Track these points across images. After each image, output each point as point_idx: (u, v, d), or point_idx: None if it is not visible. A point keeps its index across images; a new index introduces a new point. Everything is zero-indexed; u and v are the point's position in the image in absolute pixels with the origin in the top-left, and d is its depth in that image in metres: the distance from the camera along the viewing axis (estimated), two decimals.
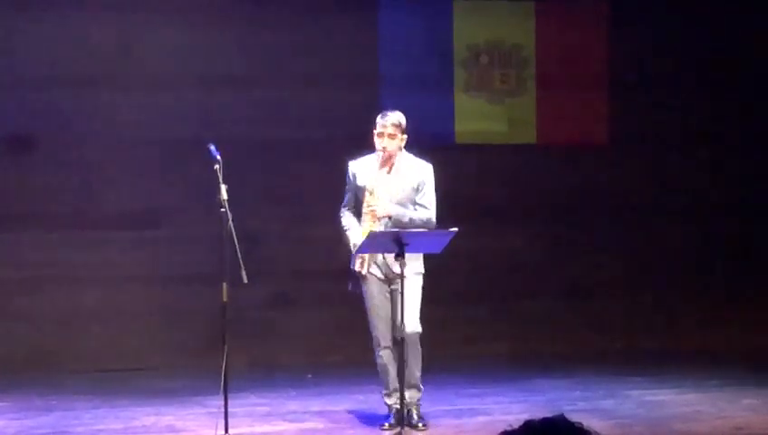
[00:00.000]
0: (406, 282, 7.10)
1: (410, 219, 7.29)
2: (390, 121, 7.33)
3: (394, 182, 7.32)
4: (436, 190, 7.48)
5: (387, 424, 7.41)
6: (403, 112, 7.44)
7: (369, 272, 7.32)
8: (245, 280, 6.90)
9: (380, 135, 7.34)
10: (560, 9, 10.99)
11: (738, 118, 11.23)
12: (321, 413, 7.71)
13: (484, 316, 10.69)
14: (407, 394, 7.33)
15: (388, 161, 7.34)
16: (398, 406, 7.32)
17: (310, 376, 9.35)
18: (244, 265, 6.91)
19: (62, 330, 9.94)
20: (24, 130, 9.97)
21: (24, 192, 9.97)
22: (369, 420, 7.58)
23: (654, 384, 9.05)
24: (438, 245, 7.21)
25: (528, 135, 10.97)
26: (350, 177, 7.45)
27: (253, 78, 10.33)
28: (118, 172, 10.12)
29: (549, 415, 2.97)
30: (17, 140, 9.96)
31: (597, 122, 11.06)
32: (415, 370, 7.35)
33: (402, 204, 7.34)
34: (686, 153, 11.14)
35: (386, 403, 7.46)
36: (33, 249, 9.96)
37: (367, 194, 7.29)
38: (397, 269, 7.13)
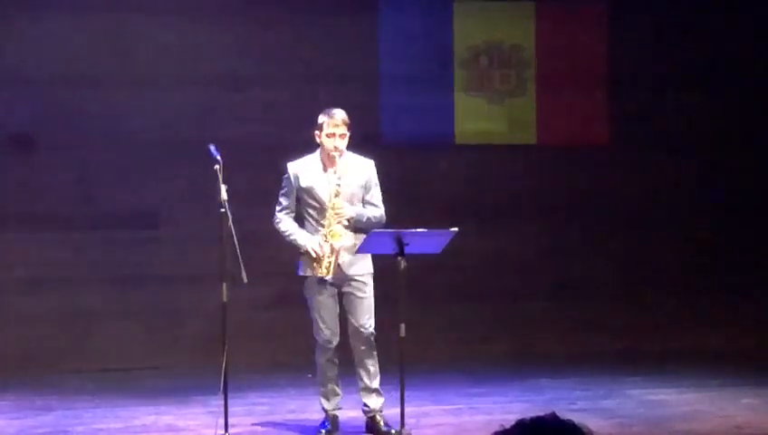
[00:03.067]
0: (360, 286, 7.22)
1: (368, 218, 7.28)
2: (342, 120, 7.23)
3: (347, 182, 7.28)
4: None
5: (323, 431, 7.41)
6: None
7: (316, 274, 7.26)
8: (245, 280, 6.90)
9: (332, 135, 7.20)
10: (559, 9, 10.99)
11: (738, 118, 11.23)
12: (320, 413, 7.70)
13: (484, 316, 10.69)
14: (370, 401, 7.38)
15: (335, 161, 7.26)
16: (336, 412, 7.44)
17: (310, 376, 9.32)
18: (244, 266, 6.90)
19: (62, 330, 9.95)
20: (24, 130, 9.97)
21: (24, 192, 9.97)
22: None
23: (654, 384, 9.06)
24: (438, 245, 7.22)
25: (528, 135, 10.97)
26: (292, 179, 7.30)
27: (253, 78, 10.34)
28: (118, 172, 10.12)
29: (542, 414, 2.97)
30: (17, 140, 9.97)
31: (597, 122, 11.06)
32: (374, 376, 7.35)
33: (354, 203, 7.31)
34: (685, 153, 11.13)
35: (323, 408, 7.45)
36: (33, 249, 9.96)
37: (331, 195, 7.20)
38: (349, 271, 7.19)
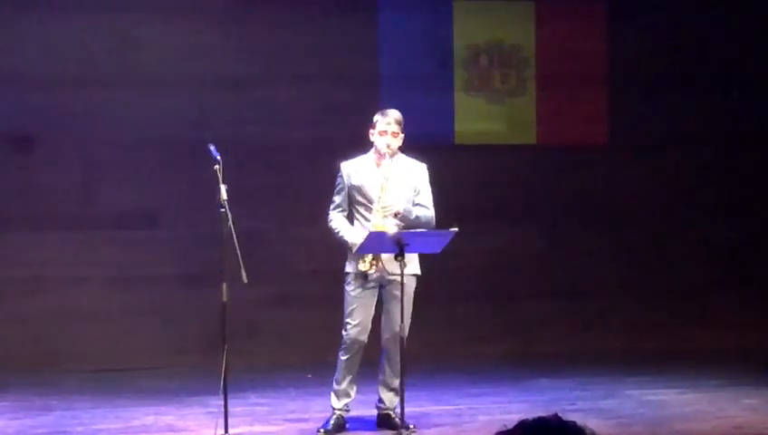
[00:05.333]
0: (399, 285, 7.17)
1: (416, 217, 7.31)
2: (394, 119, 7.32)
3: (396, 181, 7.32)
4: (432, 191, 7.48)
5: (323, 430, 7.41)
6: (403, 112, 7.44)
7: (362, 274, 7.29)
8: (245, 280, 6.90)
9: (384, 133, 7.30)
10: (559, 9, 10.99)
11: (738, 118, 11.23)
12: (321, 413, 7.71)
13: (484, 316, 10.70)
14: (386, 398, 7.43)
15: (385, 159, 7.32)
16: (343, 413, 7.43)
17: (310, 376, 9.35)
18: (244, 265, 6.91)
19: (62, 330, 9.95)
20: (24, 130, 9.98)
21: (24, 192, 9.97)
22: (368, 419, 7.58)
23: (654, 384, 9.06)
24: (438, 245, 7.22)
25: (528, 135, 10.97)
26: (345, 177, 7.38)
27: (253, 78, 10.34)
28: (118, 172, 10.13)
29: (545, 414, 2.98)
30: (17, 140, 9.97)
31: (597, 122, 11.06)
32: (396, 376, 7.35)
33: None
34: (685, 153, 11.14)
35: (331, 405, 7.45)
36: (33, 249, 9.96)
37: (379, 190, 7.25)
38: (393, 270, 7.17)
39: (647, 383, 9.09)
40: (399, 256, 6.93)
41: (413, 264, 7.29)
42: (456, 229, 7.02)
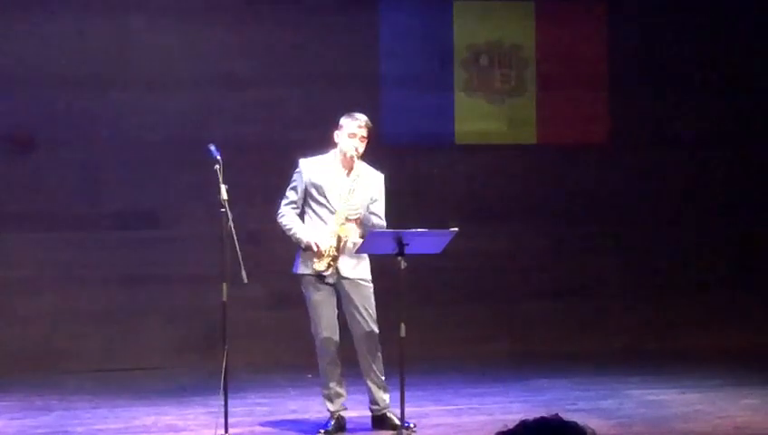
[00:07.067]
0: (358, 288, 7.25)
1: (372, 225, 7.29)
2: (365, 123, 7.30)
3: (356, 186, 7.31)
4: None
5: (323, 431, 7.42)
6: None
7: (317, 274, 7.27)
8: (245, 280, 6.90)
9: (353, 136, 7.27)
10: (559, 9, 11.00)
11: (738, 118, 11.23)
12: (321, 413, 7.70)
13: (484, 316, 10.70)
14: (378, 397, 7.44)
15: (350, 164, 7.30)
16: (341, 412, 7.45)
17: (310, 376, 9.34)
18: (244, 265, 6.91)
19: (62, 330, 9.95)
20: (24, 130, 9.98)
21: (24, 192, 9.98)
22: (368, 419, 7.58)
23: (654, 384, 9.06)
24: (438, 245, 7.22)
25: (528, 135, 10.97)
26: (304, 175, 7.34)
27: (253, 78, 10.34)
28: (118, 172, 10.13)
29: (546, 415, 2.98)
30: (17, 140, 9.97)
31: (597, 122, 11.07)
32: (380, 372, 7.39)
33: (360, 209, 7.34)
34: (685, 153, 11.14)
35: (328, 409, 7.47)
36: (33, 249, 9.97)
37: (346, 193, 7.23)
38: (345, 273, 7.21)
39: (647, 383, 9.09)
40: (399, 255, 6.93)
41: (363, 268, 7.30)
42: (457, 229, 7.03)
